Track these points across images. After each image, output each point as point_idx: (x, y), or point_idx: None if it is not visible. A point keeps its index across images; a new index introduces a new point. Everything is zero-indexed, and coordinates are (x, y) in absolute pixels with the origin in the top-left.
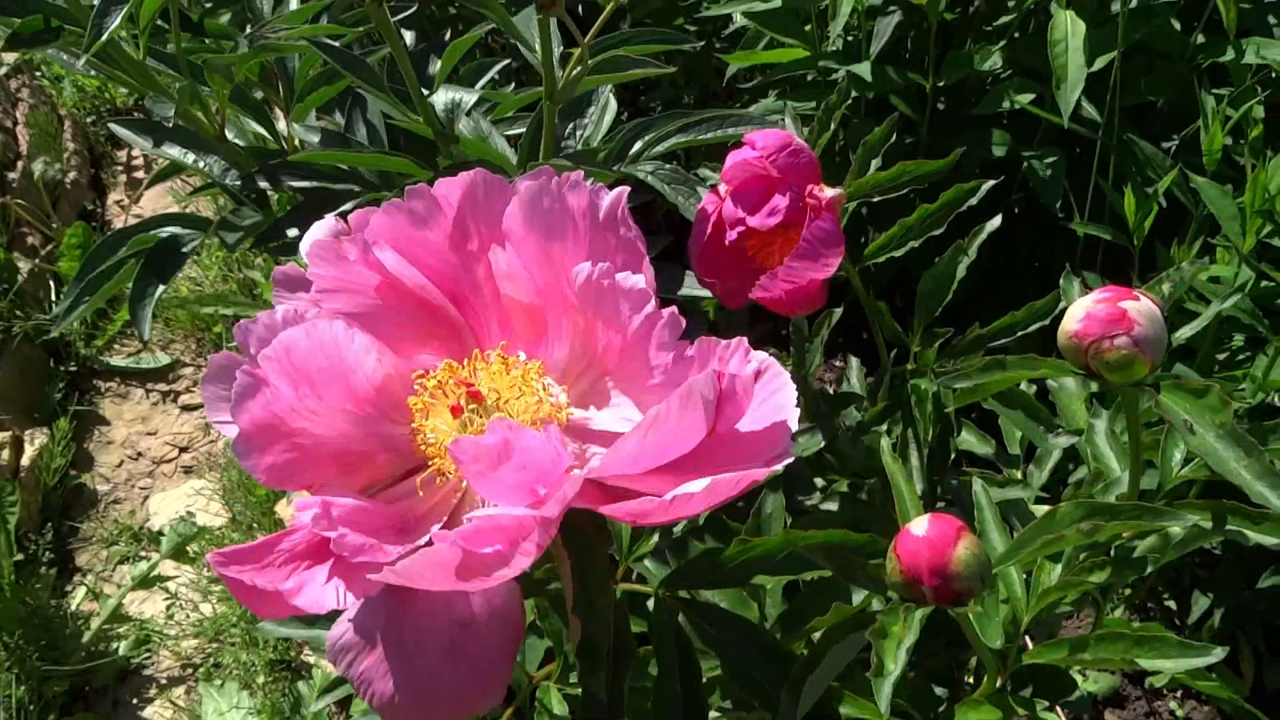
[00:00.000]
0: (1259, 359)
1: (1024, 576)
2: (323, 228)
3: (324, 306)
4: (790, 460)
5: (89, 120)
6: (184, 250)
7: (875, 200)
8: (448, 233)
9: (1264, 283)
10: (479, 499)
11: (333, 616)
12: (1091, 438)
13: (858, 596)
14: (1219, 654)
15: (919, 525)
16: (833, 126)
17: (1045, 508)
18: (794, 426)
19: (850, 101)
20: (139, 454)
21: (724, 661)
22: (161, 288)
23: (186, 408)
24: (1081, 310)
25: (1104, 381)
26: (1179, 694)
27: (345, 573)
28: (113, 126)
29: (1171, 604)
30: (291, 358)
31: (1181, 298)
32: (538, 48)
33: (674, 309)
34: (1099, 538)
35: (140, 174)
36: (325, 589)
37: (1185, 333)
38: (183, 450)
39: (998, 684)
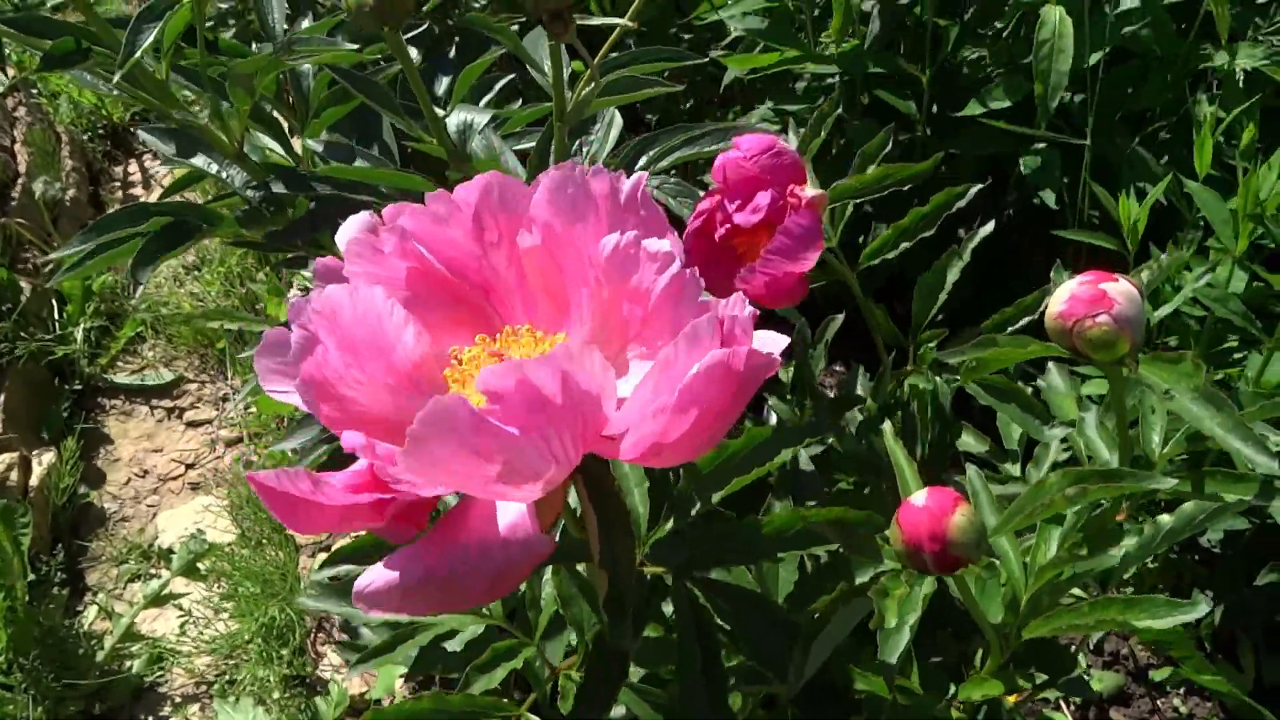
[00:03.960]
0: (1252, 358)
1: (1022, 561)
2: (357, 223)
3: None
4: (779, 366)
5: (86, 137)
6: (195, 233)
7: (873, 202)
8: (467, 228)
9: (1255, 283)
10: None
11: None
12: (1083, 430)
13: (862, 578)
14: (1204, 608)
15: (919, 497)
16: (823, 133)
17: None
18: (779, 350)
19: (848, 104)
20: (146, 471)
21: (739, 635)
22: (167, 253)
23: (192, 424)
24: (1066, 293)
25: (1089, 360)
26: (1182, 691)
27: (384, 492)
28: (141, 132)
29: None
30: (338, 321)
31: (1168, 296)
32: (548, 70)
33: (695, 270)
34: (1086, 500)
35: (138, 190)
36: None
37: (1163, 312)
38: (189, 467)
39: (1001, 661)
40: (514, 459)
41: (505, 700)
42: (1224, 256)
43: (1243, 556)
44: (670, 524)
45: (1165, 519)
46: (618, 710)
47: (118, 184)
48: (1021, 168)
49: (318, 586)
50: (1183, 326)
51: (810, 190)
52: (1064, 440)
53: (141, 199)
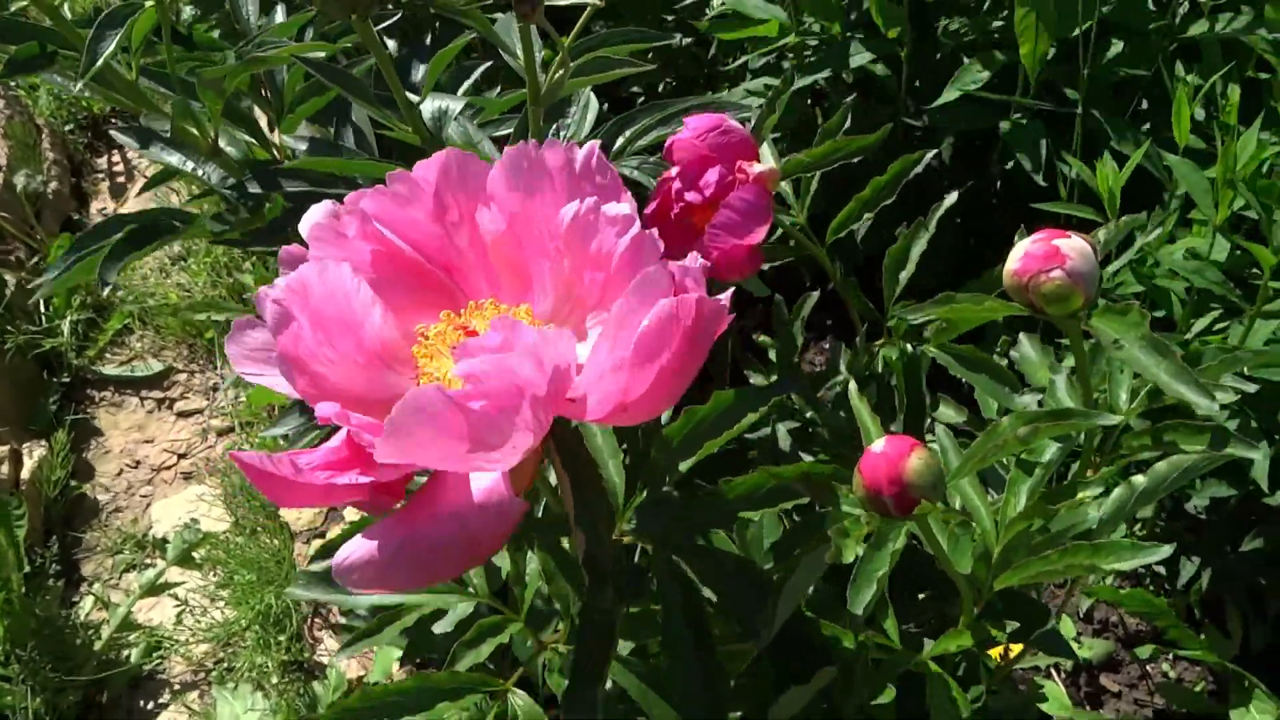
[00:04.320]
0: (1234, 328)
1: (994, 517)
2: (319, 210)
3: None
4: (728, 314)
5: (67, 129)
6: (165, 233)
7: (847, 179)
8: (429, 208)
9: (1236, 252)
10: None
11: None
12: (1053, 392)
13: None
14: (1166, 551)
15: (878, 444)
16: (778, 110)
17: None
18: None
19: (832, 81)
20: (137, 462)
21: (722, 598)
22: (134, 254)
23: (182, 414)
24: (1020, 251)
25: (1045, 315)
26: (1171, 656)
27: (364, 463)
28: (114, 134)
29: (1160, 569)
30: (309, 298)
31: (1151, 274)
32: (519, 53)
33: (654, 231)
34: (1037, 440)
35: (122, 179)
36: (345, 474)
37: (1114, 267)
38: (181, 457)
39: (975, 613)
40: (490, 436)
41: (492, 676)
42: (1204, 227)
43: (1228, 523)
44: (645, 494)
45: (1139, 479)
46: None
47: (100, 175)
48: (1002, 136)
49: (307, 576)
50: (1167, 299)
51: (759, 166)
52: (1040, 405)
53: (125, 190)
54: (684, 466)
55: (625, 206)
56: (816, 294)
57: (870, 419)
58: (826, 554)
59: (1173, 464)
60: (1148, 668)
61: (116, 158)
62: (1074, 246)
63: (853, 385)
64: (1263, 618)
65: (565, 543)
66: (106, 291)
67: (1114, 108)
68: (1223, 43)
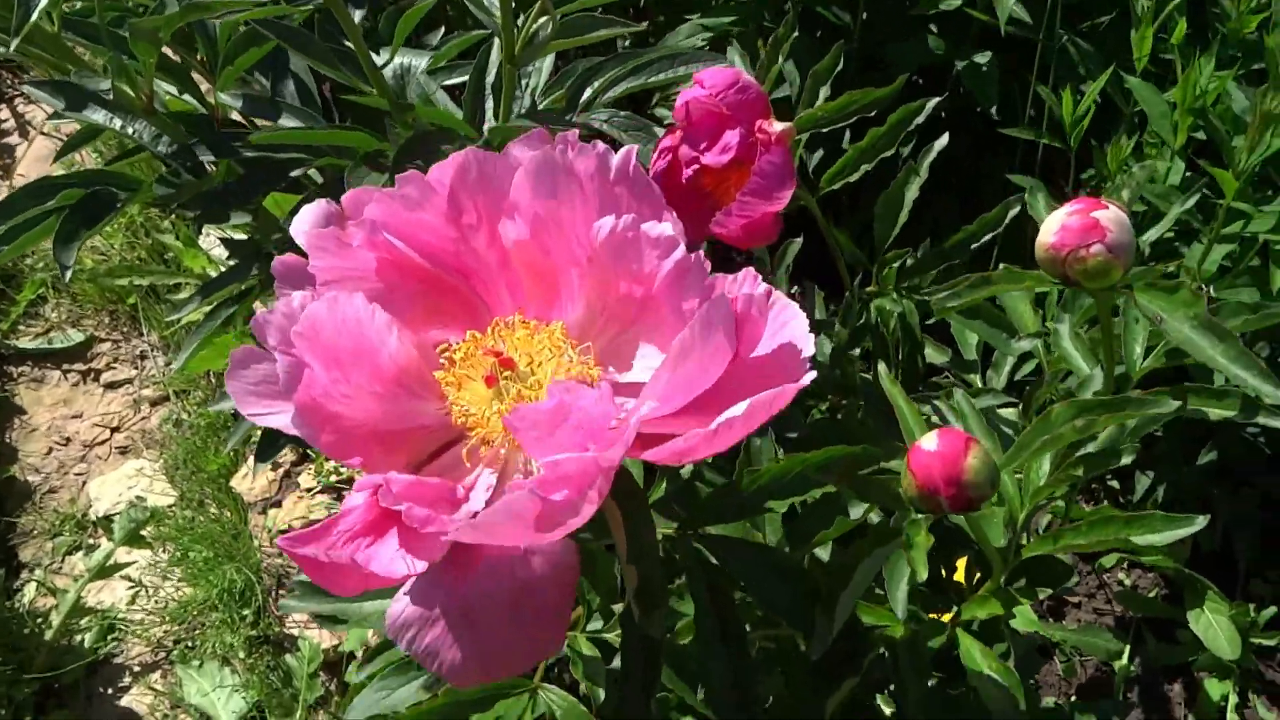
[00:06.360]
0: (1194, 248)
1: (1016, 480)
2: (313, 213)
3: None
4: (813, 376)
5: None
6: (116, 204)
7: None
8: (443, 210)
9: (1188, 173)
10: (520, 464)
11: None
12: (1058, 341)
13: (855, 513)
14: (1201, 522)
15: (929, 441)
16: (780, 59)
17: (1012, 410)
18: (808, 348)
19: (774, 13)
20: (67, 439)
21: (750, 588)
22: (87, 233)
23: (110, 385)
24: (1056, 223)
25: (1080, 288)
26: (1125, 565)
27: (412, 542)
28: (27, 89)
29: (1115, 484)
30: (320, 337)
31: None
32: (496, 13)
33: (700, 252)
34: (1094, 431)
35: (13, 140)
36: (395, 557)
37: (1152, 235)
38: (114, 430)
39: (1000, 580)
40: (568, 517)
41: (518, 677)
42: (1157, 149)
43: (1180, 437)
44: (664, 486)
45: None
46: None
47: None
48: (963, 79)
49: (301, 587)
50: None
51: (779, 125)
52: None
53: (17, 149)
54: None
55: (668, 227)
56: (800, 240)
57: (906, 405)
58: (892, 557)
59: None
60: (1104, 576)
61: (5, 113)
62: (1113, 218)
63: (882, 367)
64: (1214, 525)
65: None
66: (69, 276)
67: (1073, 35)
68: None
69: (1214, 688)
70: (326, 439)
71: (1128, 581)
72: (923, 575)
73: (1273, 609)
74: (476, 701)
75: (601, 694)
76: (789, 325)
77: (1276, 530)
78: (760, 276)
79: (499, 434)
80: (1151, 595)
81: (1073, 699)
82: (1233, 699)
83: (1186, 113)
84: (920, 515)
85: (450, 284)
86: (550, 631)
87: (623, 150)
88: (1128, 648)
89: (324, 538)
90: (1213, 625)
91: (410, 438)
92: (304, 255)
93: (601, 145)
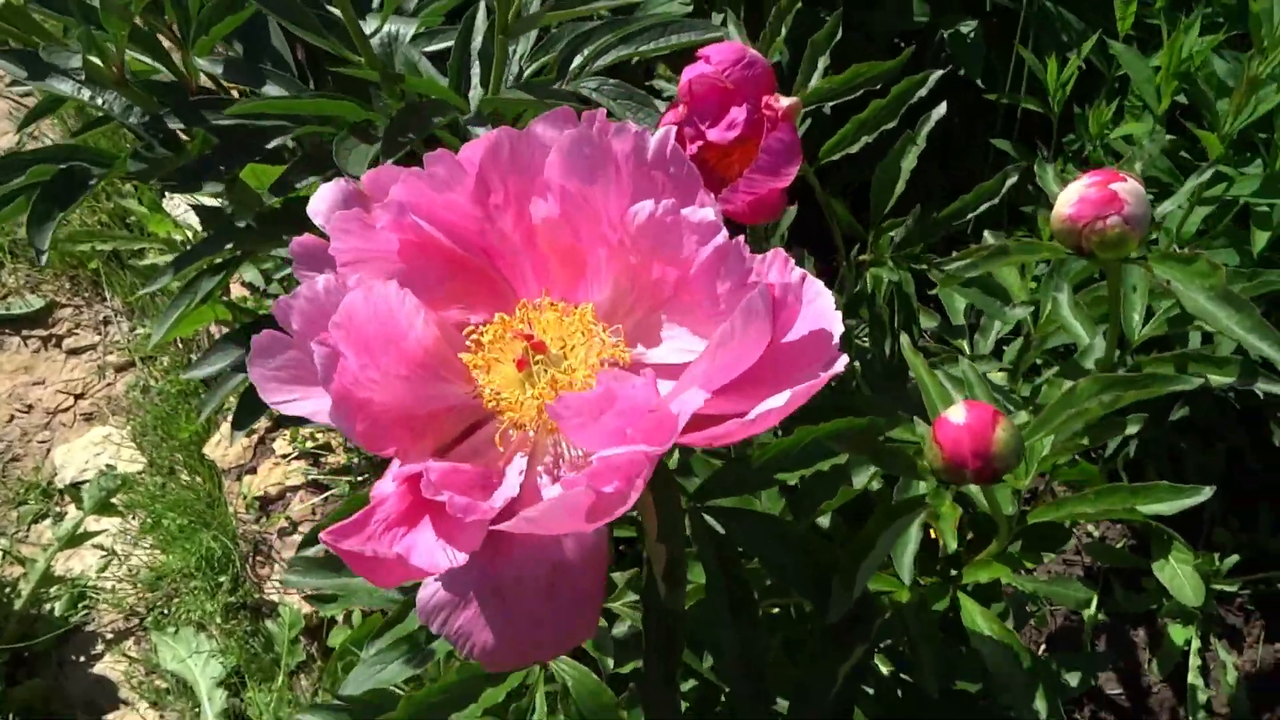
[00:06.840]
0: (1173, 213)
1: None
2: (330, 194)
3: (348, 279)
4: (845, 361)
5: None
6: (90, 182)
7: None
8: (469, 191)
9: (1169, 137)
10: (549, 445)
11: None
12: (1058, 310)
13: (859, 480)
14: (1208, 492)
15: (956, 413)
16: (784, 30)
17: (1002, 374)
18: (837, 331)
19: None
20: (29, 406)
21: (759, 557)
22: (62, 213)
23: (73, 351)
24: (1074, 195)
25: (1093, 259)
26: None
27: (449, 531)
28: None
29: (1084, 440)
30: (354, 324)
31: (1097, 159)
32: None
33: (741, 238)
34: (1121, 404)
35: None
36: (435, 548)
37: (1166, 207)
38: (78, 397)
39: (1003, 546)
40: (617, 507)
41: None
42: (1139, 113)
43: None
44: (675, 457)
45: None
46: (620, 628)
47: None
48: (948, 46)
49: (303, 562)
50: None
51: (785, 100)
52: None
53: None
54: None
55: (709, 212)
56: (795, 209)
57: (928, 376)
58: (909, 527)
59: None
60: (1072, 528)
61: None
62: (1130, 190)
63: (905, 339)
64: (1181, 479)
65: None
66: (44, 259)
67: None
68: None
69: (1178, 633)
70: (361, 428)
71: (1096, 533)
72: (952, 546)
73: (1235, 557)
74: (490, 675)
75: (611, 661)
76: (816, 304)
77: (1240, 481)
78: (789, 260)
79: (531, 418)
80: (1119, 546)
81: (1042, 647)
82: (1195, 643)
83: (1171, 77)
84: (941, 485)
85: (474, 265)
86: (585, 615)
87: (660, 132)
88: (1096, 597)
89: (363, 529)
90: (1178, 575)
91: (436, 421)
92: (321, 235)
93: (635, 126)
